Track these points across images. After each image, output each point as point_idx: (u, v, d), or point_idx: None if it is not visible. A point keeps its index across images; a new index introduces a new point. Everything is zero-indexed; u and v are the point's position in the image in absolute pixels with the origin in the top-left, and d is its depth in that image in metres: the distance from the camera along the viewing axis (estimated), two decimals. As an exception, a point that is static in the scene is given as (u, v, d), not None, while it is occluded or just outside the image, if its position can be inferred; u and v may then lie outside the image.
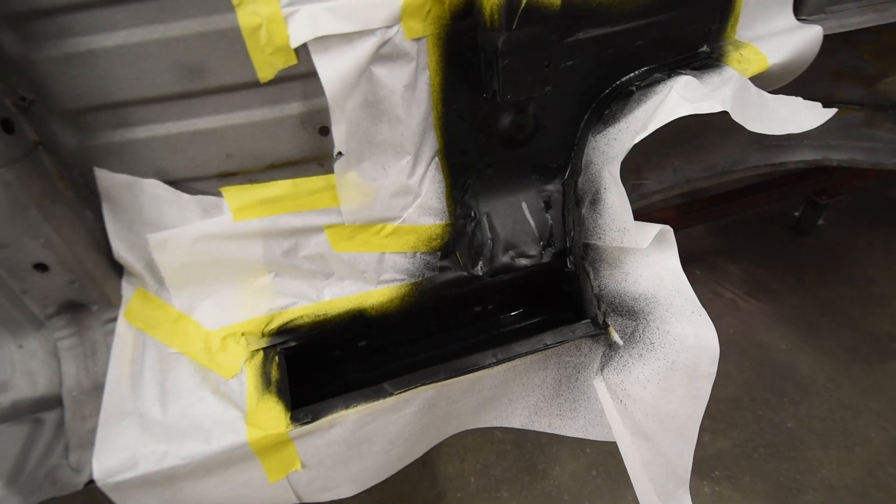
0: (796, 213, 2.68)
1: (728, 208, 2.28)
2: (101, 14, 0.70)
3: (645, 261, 0.95)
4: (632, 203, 1.55)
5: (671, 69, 1.06)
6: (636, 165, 1.55)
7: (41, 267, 0.82)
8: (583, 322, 0.98)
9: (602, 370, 0.95)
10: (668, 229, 0.96)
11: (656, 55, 1.07)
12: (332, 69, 0.75)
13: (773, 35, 1.16)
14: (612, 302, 0.96)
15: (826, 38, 1.17)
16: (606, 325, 0.96)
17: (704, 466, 1.87)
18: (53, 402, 0.92)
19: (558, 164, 1.12)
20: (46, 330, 0.92)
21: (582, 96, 1.06)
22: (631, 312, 0.93)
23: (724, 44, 1.14)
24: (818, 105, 1.10)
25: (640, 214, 1.75)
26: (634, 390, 0.89)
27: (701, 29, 1.09)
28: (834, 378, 2.13)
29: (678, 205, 2.32)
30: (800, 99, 1.11)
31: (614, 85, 1.07)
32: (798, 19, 1.20)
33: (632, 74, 1.07)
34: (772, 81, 1.19)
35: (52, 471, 0.82)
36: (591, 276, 1.02)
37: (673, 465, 0.91)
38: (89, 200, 0.85)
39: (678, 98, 0.92)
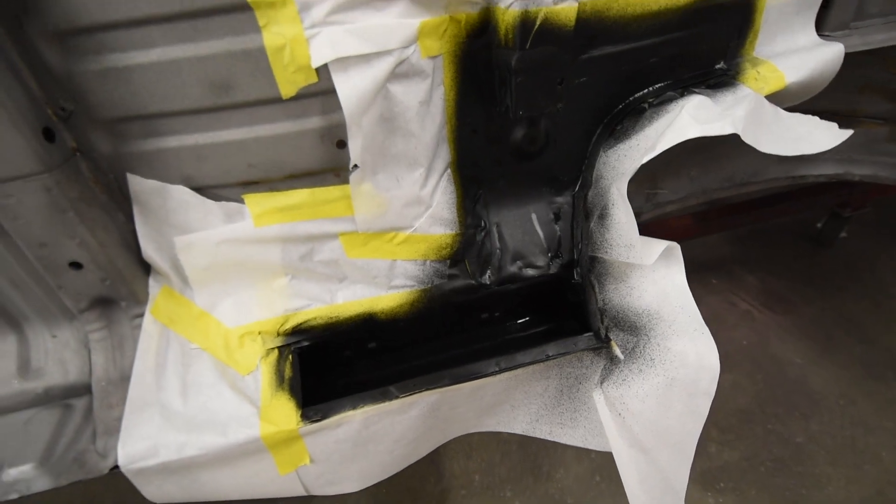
0: (818, 225, 2.63)
1: (747, 218, 2.25)
2: (138, 32, 0.75)
3: (650, 276, 0.97)
4: (647, 212, 1.56)
5: (685, 87, 1.07)
6: (652, 174, 1.54)
7: (76, 265, 0.88)
8: (585, 335, 1.00)
9: (602, 383, 0.97)
10: (676, 246, 0.97)
11: (671, 72, 1.07)
12: (350, 87, 0.79)
13: (792, 52, 1.15)
14: (616, 316, 0.98)
15: (852, 52, 1.15)
16: (608, 340, 0.98)
17: (710, 477, 1.88)
18: (83, 389, 0.99)
19: (569, 176, 1.14)
20: (78, 322, 0.99)
21: (594, 112, 1.07)
22: (633, 328, 0.95)
23: (741, 60, 1.13)
24: (834, 125, 1.09)
25: (656, 222, 1.73)
26: (633, 404, 0.91)
27: (718, 45, 1.09)
28: (848, 394, 2.11)
29: (695, 213, 2.30)
30: (816, 118, 1.10)
31: (627, 101, 1.08)
32: (820, 35, 1.18)
33: (645, 91, 1.07)
34: (789, 99, 1.18)
35: (80, 455, 0.88)
36: (596, 290, 1.04)
37: (670, 479, 0.93)
38: (121, 204, 0.91)
39: (689, 118, 0.93)
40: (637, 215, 1.51)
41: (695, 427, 0.90)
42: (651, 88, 1.07)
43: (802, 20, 1.15)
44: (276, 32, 0.76)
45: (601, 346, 0.98)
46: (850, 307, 2.40)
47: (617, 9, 0.92)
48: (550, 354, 0.98)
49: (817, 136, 1.06)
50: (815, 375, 2.18)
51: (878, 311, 2.38)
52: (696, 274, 2.69)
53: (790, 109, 1.14)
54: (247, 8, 0.73)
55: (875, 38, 1.23)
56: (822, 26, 1.19)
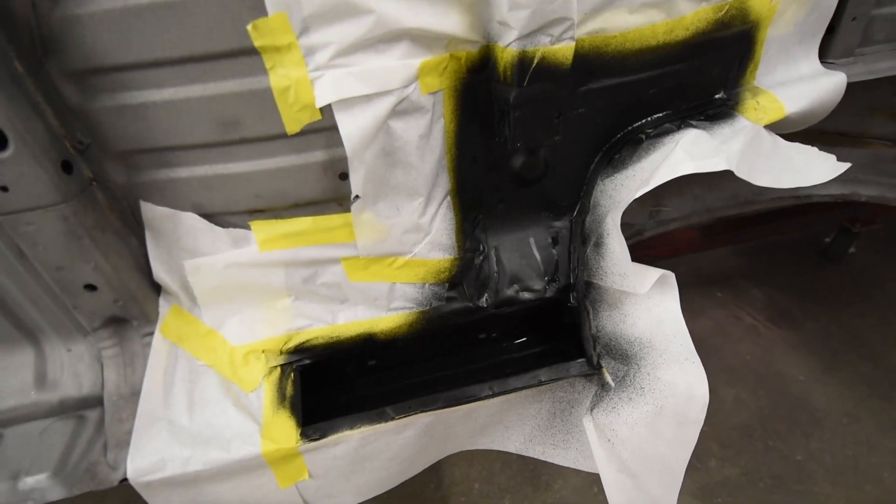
0: (827, 239, 2.61)
1: (754, 233, 2.24)
2: (151, 73, 0.79)
3: (644, 303, 0.98)
4: (650, 229, 1.57)
5: (683, 118, 1.08)
6: (655, 192, 1.55)
7: (90, 287, 0.92)
8: (577, 361, 1.02)
9: (592, 410, 1.00)
10: (670, 274, 0.99)
11: (670, 102, 1.08)
12: (352, 126, 0.82)
13: (793, 82, 1.15)
14: (608, 344, 1.01)
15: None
16: (600, 367, 1.00)
17: (708, 492, 1.89)
18: (95, 401, 1.04)
19: (568, 202, 1.16)
20: (92, 337, 1.03)
21: (593, 141, 1.08)
22: (624, 357, 0.97)
23: (741, 90, 1.14)
24: (832, 157, 1.10)
25: (660, 236, 1.74)
26: (622, 431, 0.94)
27: (718, 77, 1.10)
28: (851, 412, 2.10)
29: (702, 227, 2.29)
30: (814, 149, 1.11)
31: (626, 130, 1.10)
32: (825, 62, 1.19)
33: (644, 121, 1.09)
34: (789, 127, 1.19)
35: (92, 466, 0.93)
36: (591, 316, 1.06)
37: None
38: (134, 229, 0.95)
39: (683, 154, 0.95)
40: (640, 232, 1.52)
41: (683, 454, 0.93)
42: (649, 119, 1.08)
43: (804, 49, 1.15)
44: (281, 74, 0.79)
45: (593, 372, 1.01)
46: (857, 324, 2.39)
47: (615, 44, 0.93)
48: (543, 380, 1.00)
49: (814, 168, 1.06)
50: (818, 392, 2.18)
51: (885, 328, 2.36)
52: (702, 287, 2.69)
53: (793, 134, 1.14)
54: (254, 52, 0.77)
55: (880, 66, 1.23)
56: (827, 53, 1.19)
